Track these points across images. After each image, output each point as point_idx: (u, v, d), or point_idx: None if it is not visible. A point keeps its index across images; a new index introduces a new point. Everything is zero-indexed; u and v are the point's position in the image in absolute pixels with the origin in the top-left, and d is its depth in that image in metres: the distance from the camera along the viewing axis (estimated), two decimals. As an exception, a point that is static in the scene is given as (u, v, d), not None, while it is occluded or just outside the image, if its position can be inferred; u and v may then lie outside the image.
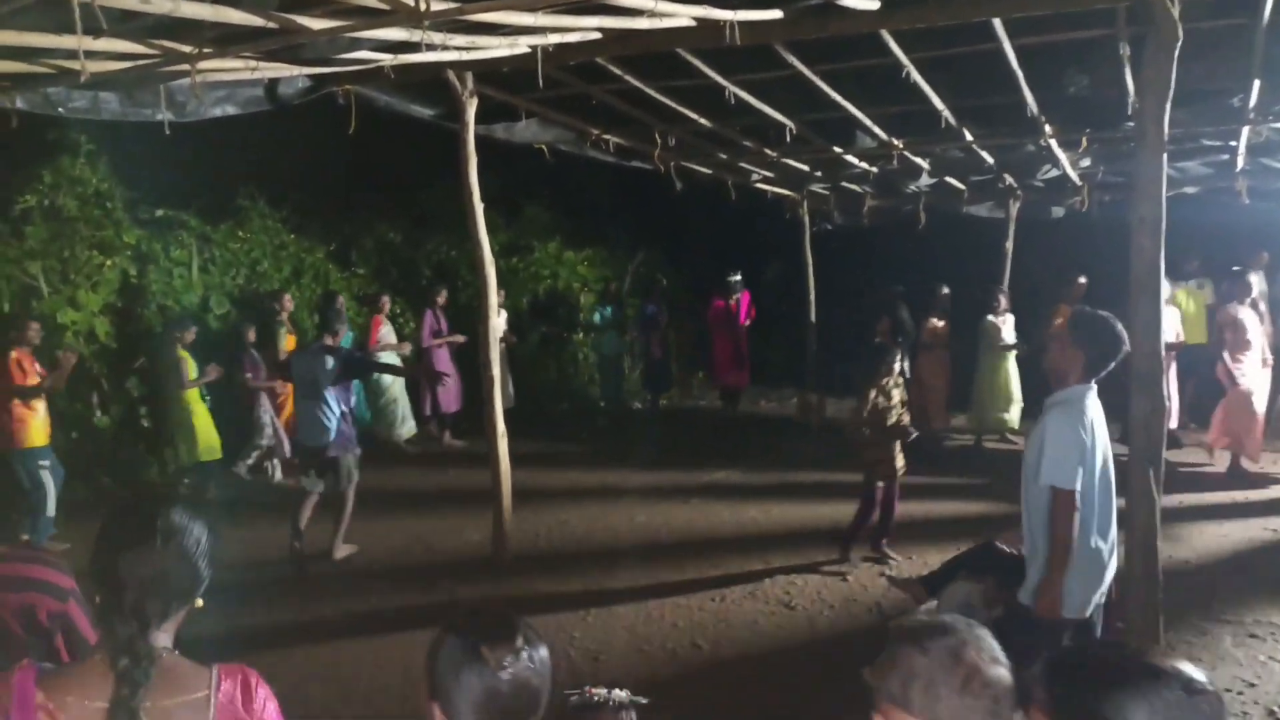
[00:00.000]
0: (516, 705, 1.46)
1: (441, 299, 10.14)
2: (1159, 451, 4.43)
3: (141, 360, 8.41)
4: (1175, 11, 3.99)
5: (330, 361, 6.21)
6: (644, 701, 1.80)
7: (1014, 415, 9.67)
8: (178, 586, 1.59)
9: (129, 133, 6.14)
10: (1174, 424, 8.83)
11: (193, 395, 7.86)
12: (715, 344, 11.95)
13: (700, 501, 7.83)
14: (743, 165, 9.30)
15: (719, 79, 5.83)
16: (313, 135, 8.43)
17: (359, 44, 4.16)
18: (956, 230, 11.30)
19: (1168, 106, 4.20)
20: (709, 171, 9.40)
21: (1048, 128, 7.09)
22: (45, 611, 2.18)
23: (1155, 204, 4.25)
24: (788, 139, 7.45)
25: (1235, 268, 8.83)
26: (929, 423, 9.37)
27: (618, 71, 5.74)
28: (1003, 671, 1.36)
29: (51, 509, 6.51)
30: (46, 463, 6.57)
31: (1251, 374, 8.05)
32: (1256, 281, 8.64)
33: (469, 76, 5.72)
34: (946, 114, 6.65)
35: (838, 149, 8.09)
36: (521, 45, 4.58)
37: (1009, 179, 9.98)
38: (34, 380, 6.51)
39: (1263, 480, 7.93)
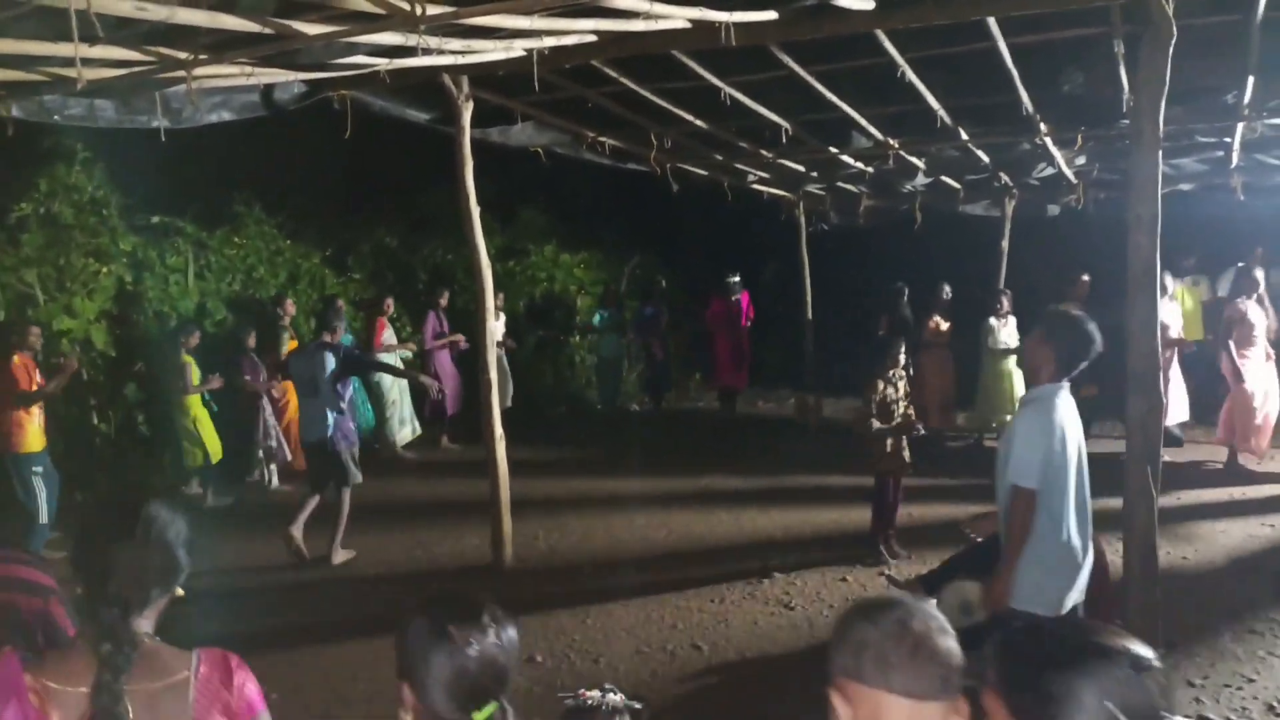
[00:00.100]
0: (484, 683, 1.50)
1: (444, 301, 10.20)
2: (1157, 449, 4.43)
3: (140, 365, 8.41)
4: (1170, 9, 4.01)
5: (329, 359, 6.29)
6: (637, 706, 1.80)
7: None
8: (158, 575, 1.65)
9: (124, 140, 6.13)
10: (1186, 417, 8.82)
11: (194, 400, 7.95)
12: (716, 345, 11.95)
13: (699, 503, 7.83)
14: (739, 166, 9.31)
15: (714, 80, 5.84)
16: (308, 141, 8.43)
17: (354, 49, 4.16)
18: (952, 229, 11.32)
19: (1163, 104, 4.21)
20: (705, 173, 9.41)
21: (1043, 126, 7.10)
22: (25, 609, 2.24)
23: (1151, 201, 4.26)
24: (784, 140, 7.46)
25: (1240, 263, 8.86)
26: (928, 421, 9.37)
27: (613, 74, 5.75)
28: (951, 642, 1.38)
29: (45, 515, 6.47)
30: (40, 469, 6.53)
31: (1255, 369, 8.06)
32: (1260, 276, 8.66)
33: (464, 80, 5.72)
34: (942, 113, 6.67)
35: (833, 149, 8.10)
36: (517, 49, 4.58)
37: (1004, 178, 9.99)
38: (35, 386, 6.51)
39: (1261, 477, 7.94)
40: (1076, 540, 3.35)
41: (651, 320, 12.44)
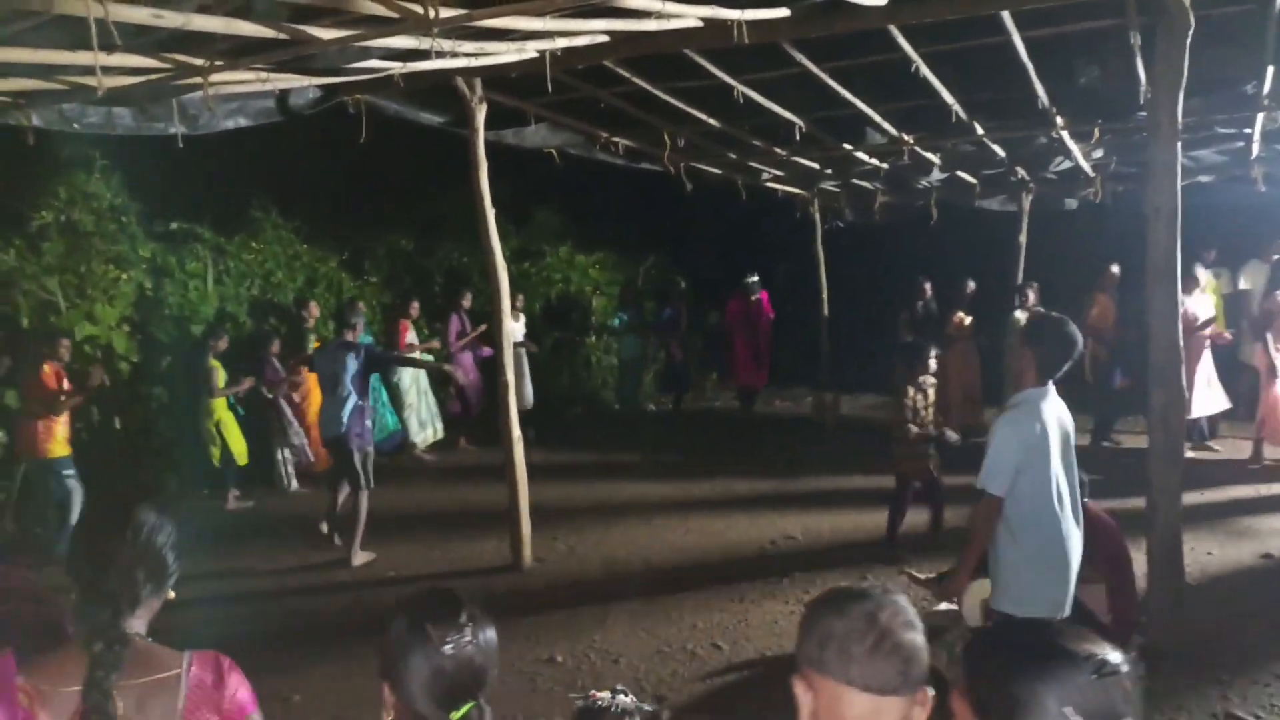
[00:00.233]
0: (461, 682, 1.52)
1: (466, 302, 10.29)
2: (1179, 444, 4.40)
3: (167, 361, 8.53)
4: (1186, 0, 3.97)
5: (350, 356, 6.42)
6: (648, 708, 1.80)
7: None
8: (148, 576, 1.69)
9: (142, 147, 6.19)
10: (1227, 405, 8.71)
11: (220, 404, 8.08)
12: (736, 344, 11.92)
13: (717, 502, 7.82)
14: (752, 165, 9.29)
15: (727, 79, 5.83)
16: (324, 145, 8.49)
17: (368, 53, 4.18)
18: (969, 225, 11.26)
19: (1180, 95, 4.18)
20: (719, 172, 9.40)
21: (1059, 120, 7.05)
22: (31, 617, 2.35)
23: (1170, 194, 4.22)
24: (797, 137, 7.44)
25: (1276, 256, 8.79)
26: (951, 417, 9.34)
27: (626, 74, 5.75)
28: (915, 636, 1.38)
29: (74, 519, 6.62)
30: (71, 472, 6.81)
31: None
32: None
33: (478, 83, 5.74)
34: (957, 108, 6.63)
35: (848, 146, 8.08)
36: (530, 50, 4.59)
37: (1021, 172, 9.93)
38: (64, 396, 6.76)
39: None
40: (1068, 540, 3.37)
41: (671, 321, 12.49)
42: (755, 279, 11.75)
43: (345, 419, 6.41)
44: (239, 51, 3.90)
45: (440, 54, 3.91)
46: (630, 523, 7.26)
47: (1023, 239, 11.02)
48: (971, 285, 9.87)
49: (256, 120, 5.19)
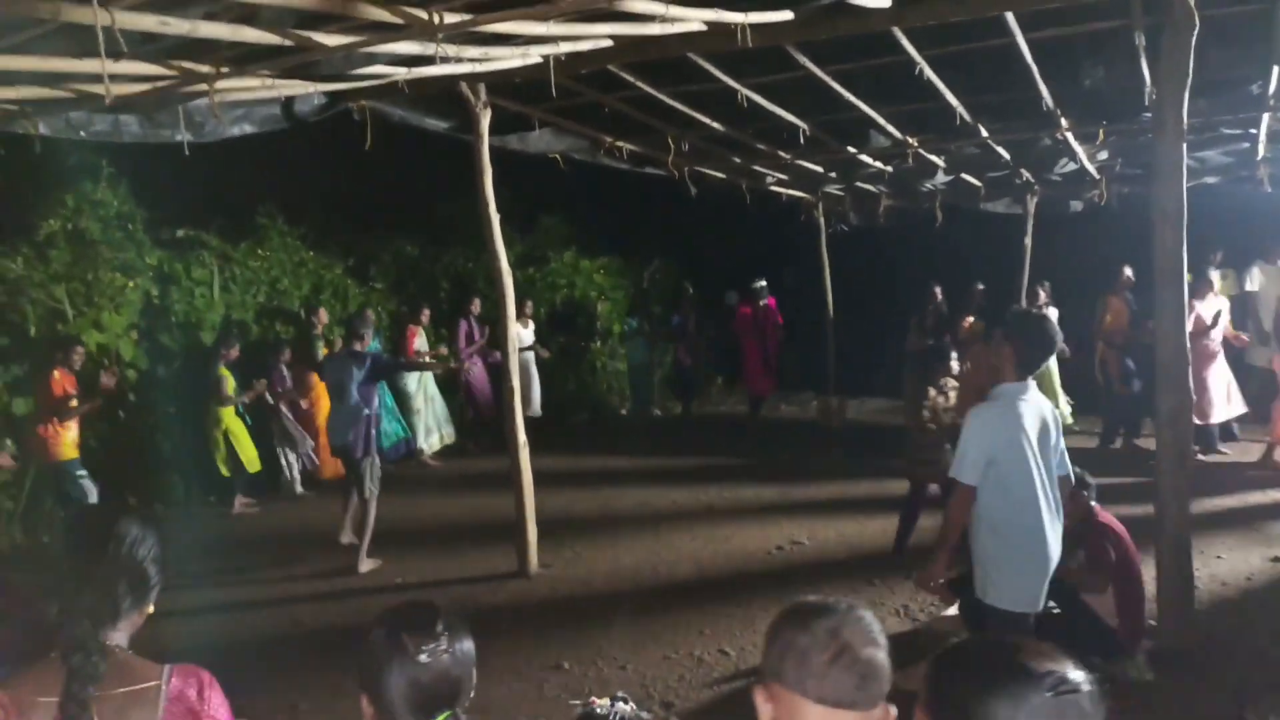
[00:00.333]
0: (437, 692, 1.53)
1: (475, 307, 10.31)
2: (1187, 446, 4.38)
3: (174, 369, 8.57)
4: (1192, 0, 3.96)
5: (356, 365, 6.46)
6: (646, 716, 1.80)
7: (1064, 410, 9.57)
8: (129, 589, 1.70)
9: (149, 154, 6.22)
10: (1241, 410, 8.66)
11: (228, 412, 8.11)
12: (745, 350, 11.88)
13: (725, 508, 7.81)
14: (757, 169, 9.29)
15: (731, 83, 5.83)
16: (329, 152, 8.51)
17: (374, 59, 4.20)
18: (974, 228, 11.24)
19: (1186, 96, 4.16)
20: (723, 176, 9.40)
21: (1064, 121, 7.03)
22: (12, 628, 2.39)
23: (1176, 194, 4.21)
24: (802, 141, 7.43)
25: None
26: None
27: (630, 79, 5.76)
28: (876, 653, 1.40)
29: None
30: (83, 473, 6.96)
31: None
32: None
33: (482, 88, 5.75)
34: (961, 110, 6.62)
35: (852, 149, 8.07)
36: (534, 55, 4.60)
37: (1026, 174, 9.91)
38: (74, 402, 6.89)
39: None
40: (1047, 535, 3.43)
41: (679, 327, 12.51)
42: (763, 284, 11.73)
43: (353, 427, 6.44)
44: (245, 58, 3.91)
45: (445, 60, 3.92)
46: (636, 529, 7.25)
47: (1028, 241, 11.00)
48: (980, 287, 9.85)
49: (262, 127, 5.21)
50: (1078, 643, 4.26)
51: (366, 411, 6.48)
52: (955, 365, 6.13)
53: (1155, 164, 4.36)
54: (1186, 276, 4.37)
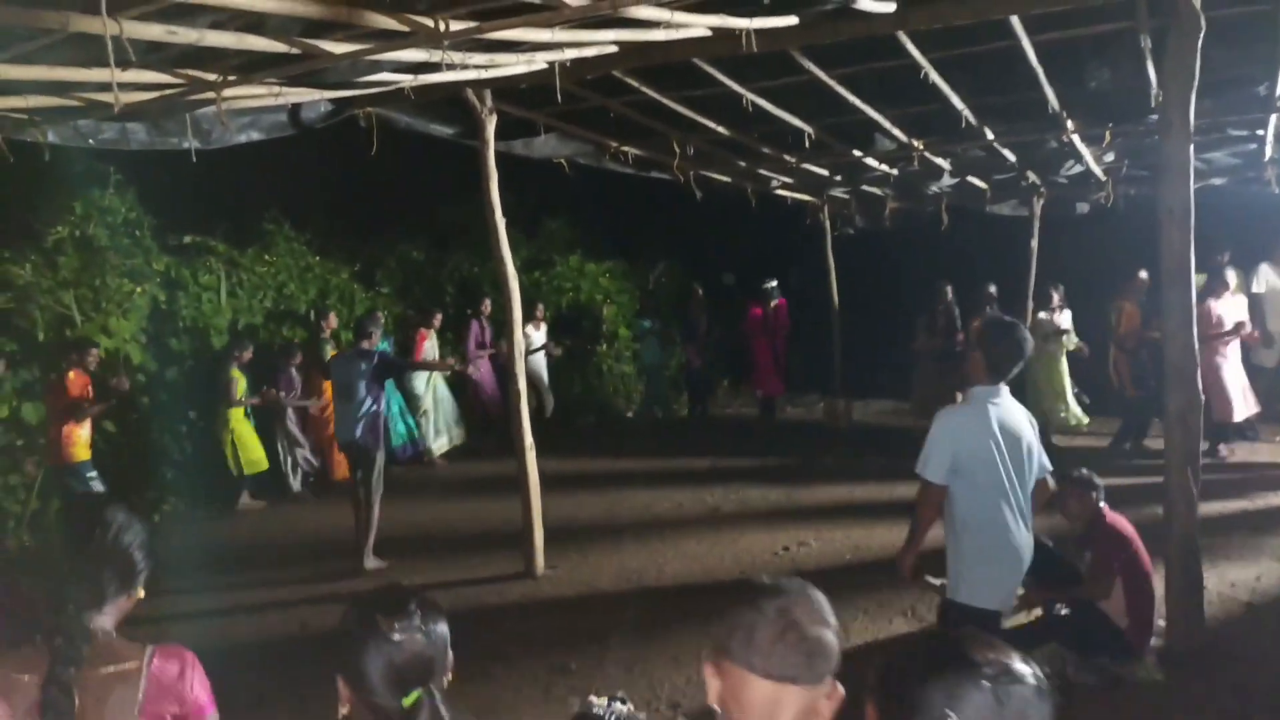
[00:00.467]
0: (411, 672, 1.56)
1: (486, 309, 10.33)
2: (1196, 446, 4.37)
3: (181, 373, 8.63)
4: (1197, 1, 3.96)
5: (363, 364, 6.52)
6: (641, 717, 1.82)
7: (1076, 411, 9.55)
8: (114, 575, 1.77)
9: (156, 162, 6.25)
10: (1255, 409, 8.63)
11: (237, 413, 8.18)
12: (755, 352, 11.85)
13: (731, 509, 7.81)
14: (762, 172, 9.30)
15: (736, 87, 5.84)
16: (335, 158, 8.55)
17: (379, 66, 4.21)
18: (980, 230, 11.21)
19: (1193, 94, 4.16)
20: (728, 179, 9.41)
21: (1070, 123, 7.03)
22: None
23: (1183, 194, 4.21)
24: (807, 144, 7.44)
25: None
26: None
27: (635, 84, 5.77)
28: (824, 632, 1.43)
29: None
30: (94, 474, 7.05)
31: None
32: None
33: (487, 94, 5.77)
34: (967, 113, 6.62)
35: (857, 153, 8.07)
36: (539, 61, 4.61)
37: (1032, 176, 9.89)
38: (87, 404, 7.01)
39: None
40: (1015, 535, 3.48)
41: (690, 329, 12.52)
42: (774, 284, 11.70)
43: (359, 425, 6.50)
44: (252, 66, 3.94)
45: (450, 66, 3.94)
46: (642, 530, 7.25)
47: (1034, 244, 10.98)
48: (992, 289, 9.84)
49: (269, 134, 5.24)
50: (1087, 643, 4.28)
51: (374, 408, 6.54)
52: None
53: (1162, 164, 4.35)
54: (1199, 277, 4.36)
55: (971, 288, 10.20)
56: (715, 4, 4.08)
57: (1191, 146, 4.29)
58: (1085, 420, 9.55)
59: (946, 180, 9.60)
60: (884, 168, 8.95)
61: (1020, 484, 3.50)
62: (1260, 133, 7.64)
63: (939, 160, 8.54)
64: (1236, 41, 5.22)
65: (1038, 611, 4.47)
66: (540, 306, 11.24)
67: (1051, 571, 4.48)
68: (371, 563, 6.44)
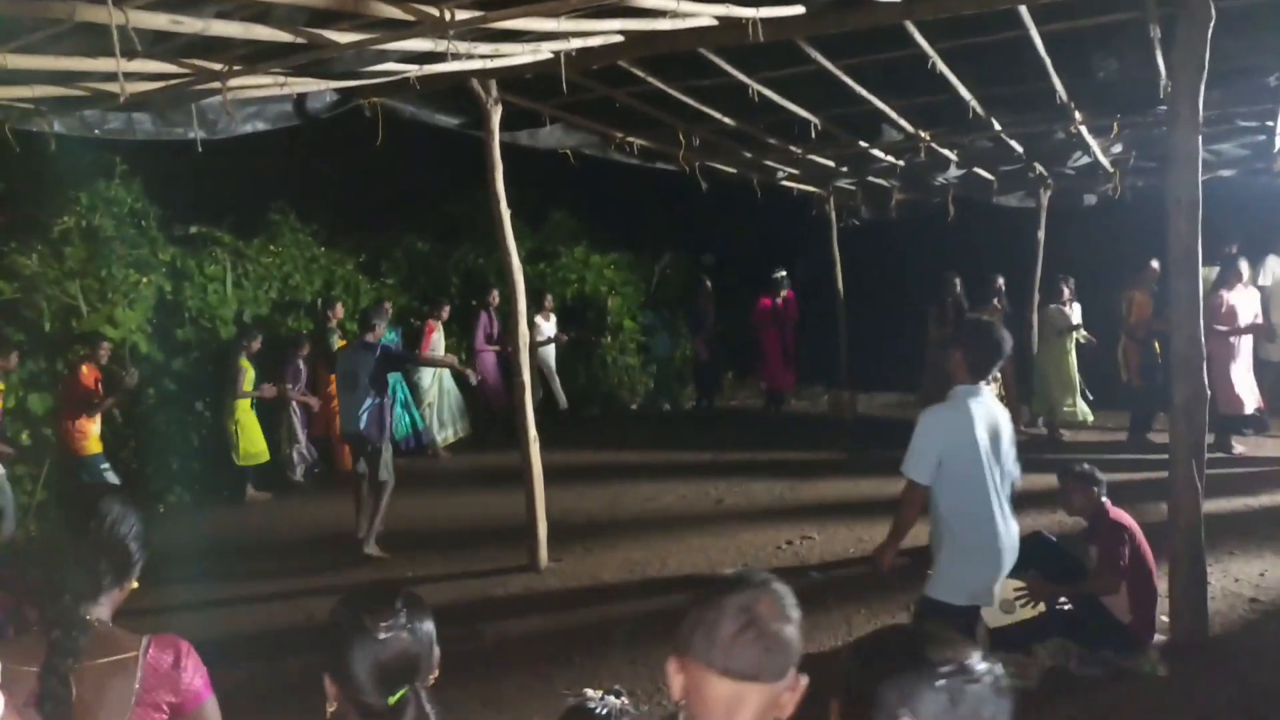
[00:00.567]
0: (397, 669, 1.56)
1: (495, 300, 10.31)
2: (1201, 439, 4.35)
3: (187, 364, 8.66)
4: (1207, -9, 3.93)
5: (368, 355, 6.55)
6: (635, 711, 1.82)
7: (1083, 406, 9.53)
8: (110, 565, 1.77)
9: (162, 152, 6.26)
10: (1257, 402, 8.57)
11: (243, 404, 8.22)
12: (764, 343, 11.79)
13: (735, 502, 7.81)
14: (768, 163, 9.28)
15: (742, 77, 5.82)
16: (341, 149, 8.55)
17: (385, 56, 4.21)
18: (987, 221, 11.18)
19: (1202, 84, 4.13)
20: (734, 170, 9.38)
21: (1078, 114, 6.99)
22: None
23: (1191, 185, 4.18)
24: (813, 135, 7.42)
25: None
26: None
27: (640, 74, 5.75)
28: (785, 627, 1.42)
29: None
30: (107, 465, 7.17)
31: None
32: None
33: (493, 85, 5.76)
34: (974, 103, 6.59)
35: (864, 143, 8.04)
36: (544, 51, 4.60)
37: (1039, 168, 9.86)
38: (98, 398, 7.10)
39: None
40: (999, 532, 3.50)
41: (698, 321, 12.51)
42: (783, 274, 11.65)
43: (364, 415, 6.53)
44: (257, 56, 3.93)
45: (456, 56, 3.93)
46: (646, 523, 7.26)
47: (1041, 235, 10.94)
48: (1000, 280, 9.81)
49: (274, 124, 5.24)
50: (1090, 637, 4.28)
51: (378, 400, 6.57)
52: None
53: (1170, 155, 4.33)
54: (1205, 270, 4.34)
55: (978, 279, 10.17)
56: (721, -7, 4.06)
57: (1200, 137, 4.26)
58: (1090, 417, 9.52)
59: (953, 171, 9.57)
60: (890, 159, 8.92)
61: (1003, 480, 3.54)
62: (1270, 124, 7.60)
63: (946, 151, 8.51)
64: (1246, 31, 5.18)
65: (1041, 606, 4.47)
66: (549, 297, 11.24)
67: (1057, 566, 4.48)
68: (373, 549, 6.49)
